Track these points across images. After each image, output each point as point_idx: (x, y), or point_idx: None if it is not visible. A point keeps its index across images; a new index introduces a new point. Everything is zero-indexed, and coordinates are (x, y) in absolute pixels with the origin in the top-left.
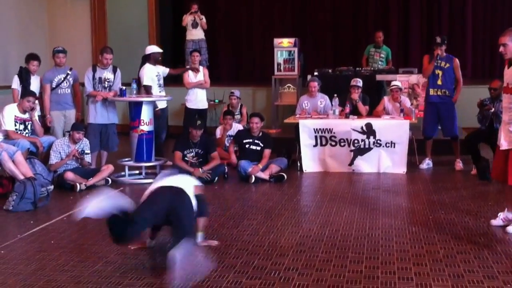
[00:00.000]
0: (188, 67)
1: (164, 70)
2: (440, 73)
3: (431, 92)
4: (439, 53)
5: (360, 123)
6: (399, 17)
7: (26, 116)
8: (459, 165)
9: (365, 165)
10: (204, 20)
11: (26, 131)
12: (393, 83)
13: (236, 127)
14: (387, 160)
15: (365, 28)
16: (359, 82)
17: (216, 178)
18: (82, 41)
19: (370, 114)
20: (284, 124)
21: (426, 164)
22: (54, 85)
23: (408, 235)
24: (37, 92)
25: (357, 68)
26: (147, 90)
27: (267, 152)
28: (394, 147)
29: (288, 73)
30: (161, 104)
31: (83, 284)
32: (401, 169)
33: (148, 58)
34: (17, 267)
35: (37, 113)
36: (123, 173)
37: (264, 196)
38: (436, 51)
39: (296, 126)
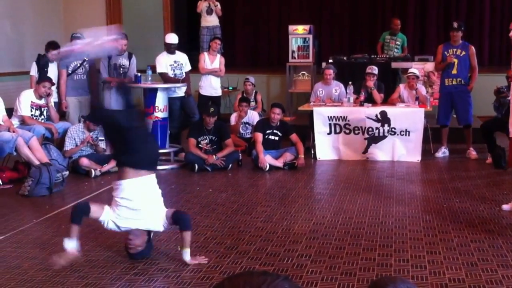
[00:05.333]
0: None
1: (186, 62)
2: (456, 61)
3: (446, 82)
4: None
5: (374, 111)
6: (416, 3)
7: (42, 102)
8: (473, 153)
9: (379, 153)
10: (219, 6)
11: (42, 117)
12: (410, 70)
13: (251, 114)
14: (401, 148)
15: (381, 15)
16: (375, 69)
17: (230, 165)
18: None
19: (385, 101)
20: (299, 111)
21: (442, 152)
22: (70, 70)
23: (422, 223)
24: (55, 79)
25: (373, 56)
26: (163, 77)
27: (294, 137)
28: (408, 135)
29: (302, 61)
30: (179, 93)
31: (98, 268)
32: (416, 157)
33: (165, 47)
34: (32, 251)
35: (53, 99)
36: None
37: (278, 183)
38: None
39: (310, 114)
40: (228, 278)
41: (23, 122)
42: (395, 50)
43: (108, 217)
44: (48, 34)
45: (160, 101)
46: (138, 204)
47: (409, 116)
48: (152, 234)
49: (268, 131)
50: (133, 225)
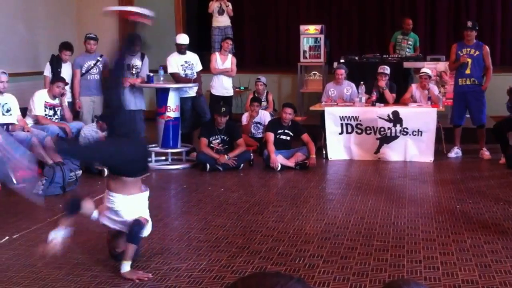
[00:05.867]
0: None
1: (196, 62)
2: (470, 61)
3: (460, 82)
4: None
5: (386, 110)
6: (426, 3)
7: (56, 101)
8: (486, 154)
9: (391, 153)
10: (230, 7)
11: (56, 116)
12: (422, 70)
13: (263, 114)
14: (413, 149)
15: (392, 14)
16: (387, 69)
17: (242, 165)
18: (110, 28)
19: (397, 101)
20: (310, 111)
21: (455, 153)
22: (83, 70)
23: (434, 224)
24: (69, 79)
25: (384, 55)
26: (174, 77)
27: (305, 137)
28: (421, 135)
29: (314, 60)
30: (191, 93)
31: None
32: (428, 157)
33: (176, 47)
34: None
35: (66, 99)
36: (149, 159)
37: (289, 183)
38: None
39: (321, 114)
40: (241, 279)
41: (37, 121)
42: (407, 50)
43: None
44: (61, 35)
45: (172, 101)
46: (126, 215)
47: (421, 116)
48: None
49: (279, 131)
50: (118, 227)
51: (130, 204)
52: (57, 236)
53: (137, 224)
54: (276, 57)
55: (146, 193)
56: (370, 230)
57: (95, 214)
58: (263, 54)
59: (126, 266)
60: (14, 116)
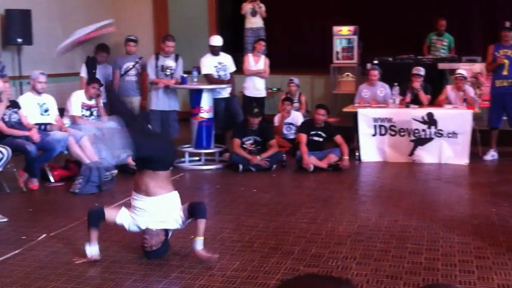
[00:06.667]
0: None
1: (230, 63)
2: (507, 62)
3: (497, 83)
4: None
5: (421, 112)
6: (462, 3)
7: (92, 102)
8: None
9: (425, 155)
10: (263, 8)
11: (92, 117)
12: (457, 71)
13: (295, 115)
14: (448, 151)
15: (427, 15)
16: (421, 70)
17: (274, 166)
18: (145, 30)
19: (432, 103)
20: (343, 112)
21: (491, 155)
22: (122, 71)
23: (469, 227)
24: (103, 80)
25: (419, 56)
26: (208, 78)
27: (338, 138)
28: (456, 137)
29: (347, 61)
30: (224, 94)
31: (146, 265)
32: (463, 160)
33: (209, 49)
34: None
35: (102, 100)
36: (183, 159)
37: (322, 185)
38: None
39: (354, 115)
40: (287, 281)
41: (74, 122)
42: (442, 50)
43: (126, 219)
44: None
45: (205, 102)
46: (156, 213)
47: (456, 118)
48: (169, 235)
49: (312, 132)
50: (151, 225)
51: (154, 205)
52: (93, 251)
53: (195, 203)
54: (309, 58)
55: (172, 194)
56: (404, 233)
57: (118, 220)
58: (296, 55)
59: (200, 243)
60: (52, 116)
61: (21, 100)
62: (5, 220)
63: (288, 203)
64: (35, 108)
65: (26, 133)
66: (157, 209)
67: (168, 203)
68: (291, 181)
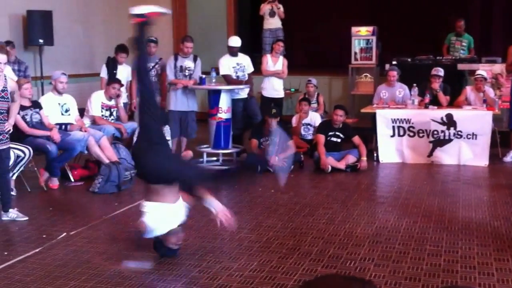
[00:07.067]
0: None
1: (248, 64)
2: None
3: None
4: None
5: (440, 113)
6: (483, 3)
7: (112, 102)
8: None
9: (444, 156)
10: (281, 9)
11: (112, 117)
12: (477, 72)
13: (313, 115)
14: (468, 152)
15: (446, 15)
16: (440, 71)
17: (292, 167)
18: (164, 31)
19: (451, 104)
20: (361, 113)
21: (511, 157)
22: None
23: (489, 229)
24: (125, 80)
25: (438, 57)
26: (226, 79)
27: (356, 139)
28: (475, 138)
29: (365, 62)
30: (242, 94)
31: (164, 265)
32: (483, 161)
33: (228, 49)
34: (102, 246)
35: (122, 100)
36: (201, 159)
37: (340, 186)
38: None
39: (373, 116)
40: (310, 282)
41: (94, 122)
42: (461, 51)
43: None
44: (117, 38)
45: (224, 102)
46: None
47: (476, 119)
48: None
49: (330, 133)
50: (170, 227)
51: (159, 212)
52: (133, 265)
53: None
54: (327, 59)
55: (179, 204)
56: (423, 235)
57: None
58: (314, 56)
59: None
60: (73, 116)
61: (42, 100)
62: (26, 218)
63: (306, 203)
64: (56, 108)
65: (47, 133)
66: (158, 217)
67: (173, 213)
68: (309, 182)
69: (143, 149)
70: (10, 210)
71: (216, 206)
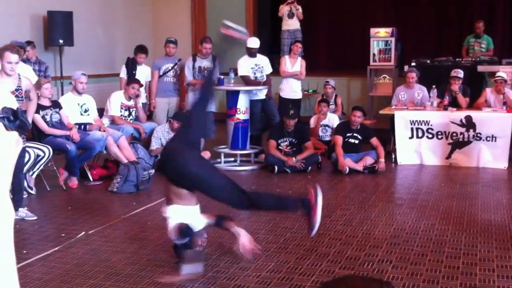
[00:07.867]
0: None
1: (266, 65)
2: None
3: None
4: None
5: (459, 115)
6: (505, 4)
7: (131, 103)
8: None
9: (463, 159)
10: (300, 10)
11: (130, 117)
12: (498, 74)
13: (331, 117)
14: (487, 154)
15: (468, 16)
16: (460, 73)
17: (310, 168)
18: (183, 31)
19: (471, 106)
20: (379, 115)
21: None
22: (161, 73)
23: (508, 232)
24: (144, 81)
25: (457, 59)
26: (244, 80)
27: (375, 140)
28: (495, 141)
29: (384, 64)
30: (260, 95)
31: None
32: (503, 164)
33: (247, 50)
34: (120, 246)
35: (141, 100)
36: (219, 160)
37: (358, 187)
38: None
39: (391, 118)
40: (328, 283)
41: (113, 121)
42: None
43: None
44: (137, 38)
45: (242, 103)
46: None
47: (496, 121)
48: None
49: (348, 134)
50: (196, 228)
51: (182, 214)
52: (190, 271)
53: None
54: (345, 60)
55: (196, 207)
56: (441, 237)
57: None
58: (333, 57)
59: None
60: (92, 116)
61: (62, 100)
62: (34, 218)
63: (323, 205)
64: (75, 108)
65: (66, 132)
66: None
67: (191, 215)
68: (327, 183)
69: (178, 150)
70: (20, 209)
71: (242, 235)
